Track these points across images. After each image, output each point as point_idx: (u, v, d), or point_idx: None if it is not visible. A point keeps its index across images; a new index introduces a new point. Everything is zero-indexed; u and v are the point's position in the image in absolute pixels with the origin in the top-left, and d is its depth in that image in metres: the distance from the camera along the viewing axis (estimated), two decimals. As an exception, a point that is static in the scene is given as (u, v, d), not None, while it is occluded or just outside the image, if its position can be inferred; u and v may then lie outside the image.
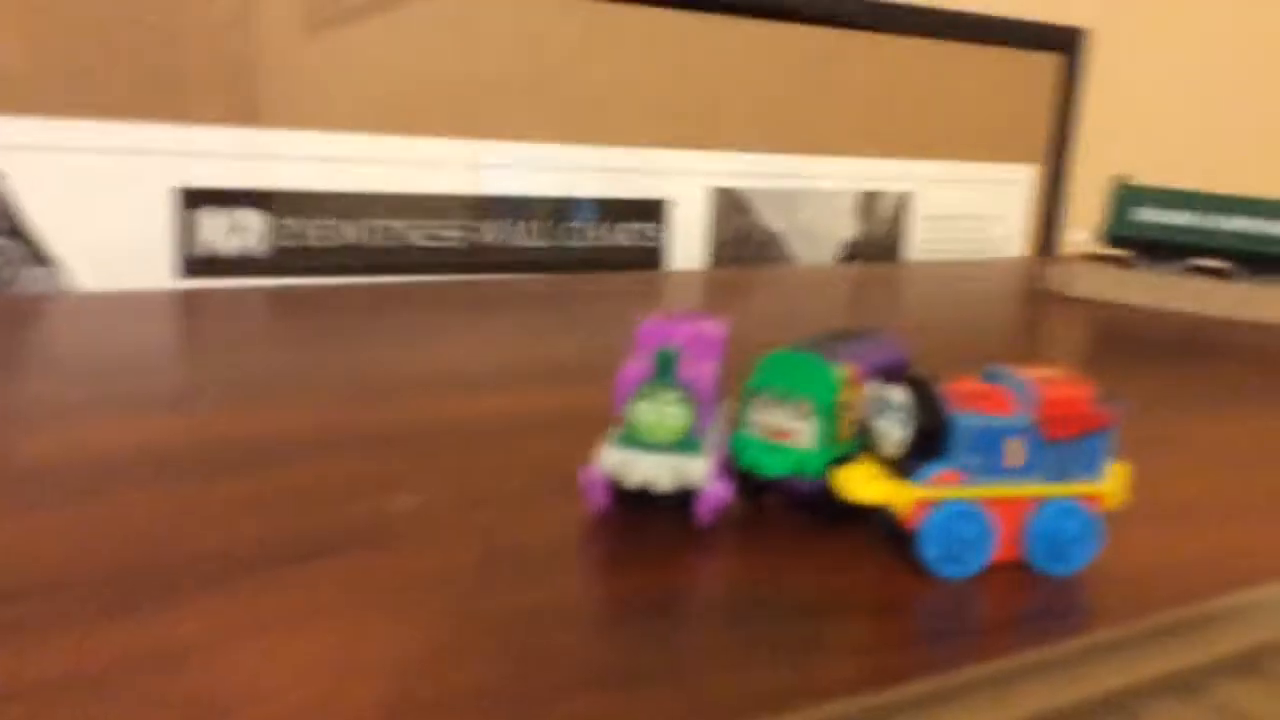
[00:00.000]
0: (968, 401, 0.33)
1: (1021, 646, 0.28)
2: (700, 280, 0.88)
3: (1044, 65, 1.14)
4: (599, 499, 0.35)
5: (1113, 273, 0.87)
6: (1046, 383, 0.33)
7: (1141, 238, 0.88)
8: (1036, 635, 0.29)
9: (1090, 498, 0.33)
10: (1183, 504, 0.40)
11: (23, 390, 0.47)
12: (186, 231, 0.74)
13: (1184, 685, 0.25)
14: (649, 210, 0.92)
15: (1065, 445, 0.33)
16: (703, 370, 0.35)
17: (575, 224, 0.88)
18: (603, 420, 0.36)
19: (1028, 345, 0.70)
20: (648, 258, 0.93)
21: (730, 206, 0.96)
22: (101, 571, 0.30)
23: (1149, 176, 0.91)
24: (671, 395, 0.34)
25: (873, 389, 0.37)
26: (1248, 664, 0.26)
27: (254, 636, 0.27)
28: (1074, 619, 0.31)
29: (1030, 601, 0.32)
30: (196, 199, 0.74)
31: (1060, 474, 0.33)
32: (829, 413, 0.35)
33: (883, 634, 0.30)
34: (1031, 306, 0.84)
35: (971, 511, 0.32)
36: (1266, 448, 0.48)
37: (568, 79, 0.86)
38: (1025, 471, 0.33)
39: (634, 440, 0.34)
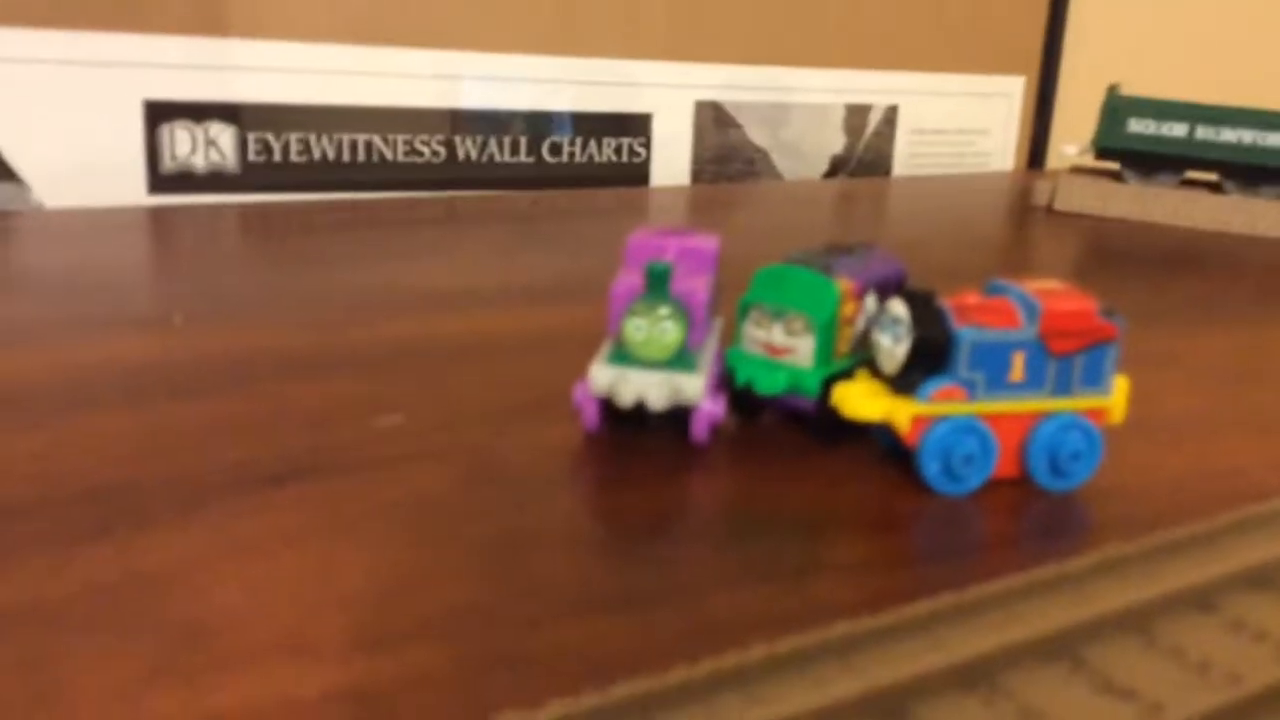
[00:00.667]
0: (970, 315, 0.32)
1: (1024, 564, 0.27)
2: (685, 196, 0.87)
3: (1035, -27, 1.11)
4: (590, 418, 0.34)
5: (1103, 186, 0.86)
6: (1050, 295, 0.32)
7: (1133, 150, 0.86)
8: (1039, 552, 0.29)
9: (1094, 412, 0.33)
10: (1175, 419, 0.40)
11: (-12, 311, 0.46)
12: (155, 146, 0.72)
13: (1198, 600, 0.24)
14: (631, 125, 0.90)
15: (1069, 359, 0.32)
16: (696, 285, 0.34)
17: (557, 139, 0.86)
18: (587, 339, 0.35)
19: (1018, 260, 0.69)
20: (630, 174, 0.91)
21: (715, 121, 0.94)
22: (73, 494, 0.29)
23: (1141, 88, 0.90)
24: (664, 310, 0.33)
25: (871, 303, 0.36)
26: (1261, 577, 0.25)
27: (233, 560, 0.26)
28: (1077, 535, 0.30)
29: (1031, 518, 0.31)
30: (165, 112, 0.72)
31: (1064, 388, 0.32)
32: (826, 328, 0.34)
33: (882, 552, 0.29)
34: (1021, 221, 0.83)
35: (973, 427, 0.32)
36: (1258, 362, 0.48)
37: (547, -14, 0.83)
38: (1028, 386, 0.32)
39: (626, 357, 0.33)
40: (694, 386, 0.33)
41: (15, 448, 0.32)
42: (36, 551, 0.26)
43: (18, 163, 0.68)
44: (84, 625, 0.23)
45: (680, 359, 0.33)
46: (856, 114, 1.02)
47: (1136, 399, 0.35)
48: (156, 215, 0.67)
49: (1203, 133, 0.84)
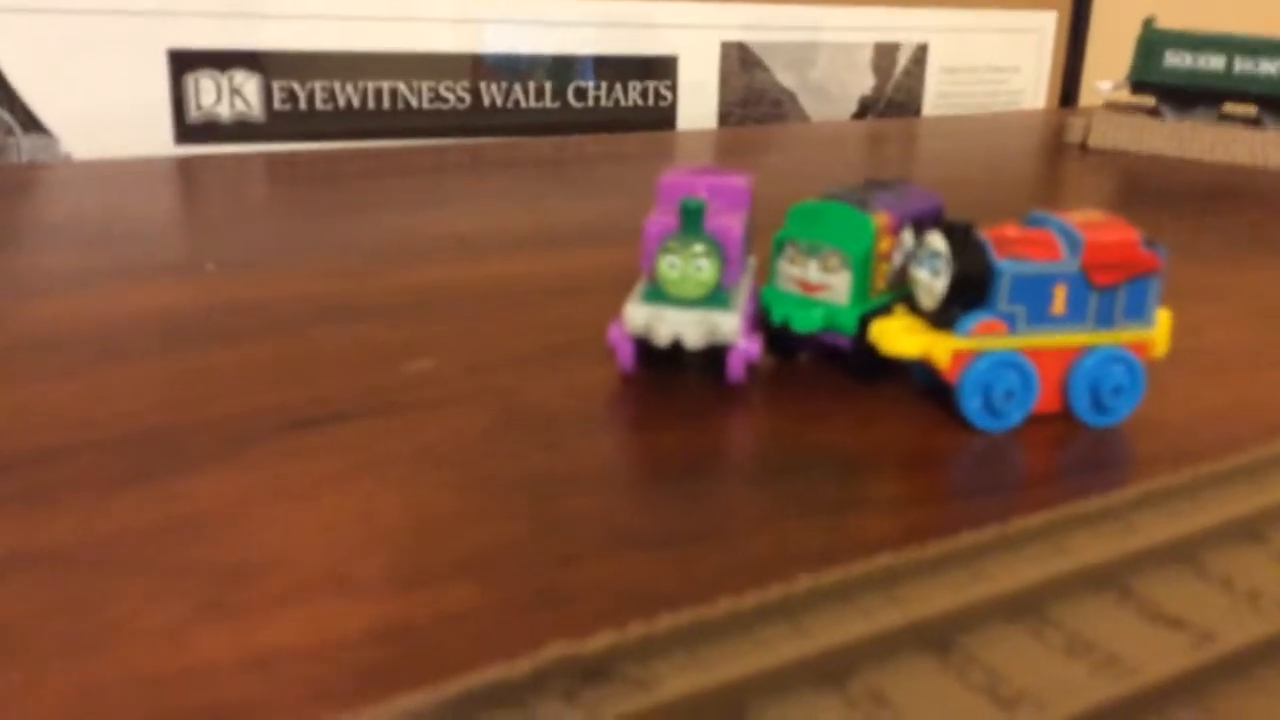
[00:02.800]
0: (1011, 247, 0.31)
1: (1067, 498, 0.27)
2: (712, 139, 0.86)
3: (1067, -96, 1.08)
4: (626, 357, 0.34)
5: (1139, 122, 0.84)
6: (1092, 227, 0.32)
7: (1168, 84, 0.84)
8: (1083, 487, 0.28)
9: (1137, 345, 0.32)
10: (1218, 352, 0.39)
11: (23, 260, 0.46)
12: (181, 96, 0.71)
13: (1246, 530, 0.24)
14: (657, 68, 0.89)
15: (1112, 291, 0.31)
16: (730, 222, 0.34)
17: (582, 84, 0.85)
18: (618, 282, 0.35)
19: (1052, 198, 0.68)
20: (657, 117, 0.90)
21: (741, 62, 0.93)
22: (112, 439, 0.29)
23: (1176, 21, 0.87)
24: (699, 248, 0.32)
25: (909, 238, 0.35)
26: (1313, 509, 0.25)
27: (271, 503, 0.26)
28: (1121, 469, 0.30)
29: (1074, 452, 0.31)
30: (190, 61, 0.71)
31: (1106, 321, 0.32)
32: (863, 264, 0.34)
33: (922, 489, 0.29)
34: (1055, 159, 0.82)
35: (1014, 362, 0.31)
36: (1305, 295, 0.47)
37: (569, -73, 0.82)
38: (1070, 319, 0.31)
39: (661, 296, 0.33)
40: (730, 324, 0.32)
41: (54, 395, 0.32)
42: (79, 495, 0.26)
43: (45, 115, 0.68)
44: (129, 566, 0.24)
45: (715, 297, 0.33)
46: (885, 53, 1.01)
47: (1179, 333, 0.34)
48: (184, 165, 0.67)
49: (1240, 65, 0.82)
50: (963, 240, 0.31)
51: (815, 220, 0.35)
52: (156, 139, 0.71)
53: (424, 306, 0.41)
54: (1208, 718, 0.18)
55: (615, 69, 0.87)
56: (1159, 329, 0.33)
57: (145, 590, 0.23)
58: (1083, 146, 0.86)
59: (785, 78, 0.96)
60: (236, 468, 0.28)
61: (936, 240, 0.32)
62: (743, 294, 0.34)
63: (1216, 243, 0.56)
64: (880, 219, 0.34)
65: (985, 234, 0.32)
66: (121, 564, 0.24)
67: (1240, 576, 0.23)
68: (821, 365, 0.36)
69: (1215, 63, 0.83)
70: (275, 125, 0.75)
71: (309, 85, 0.75)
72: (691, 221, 0.32)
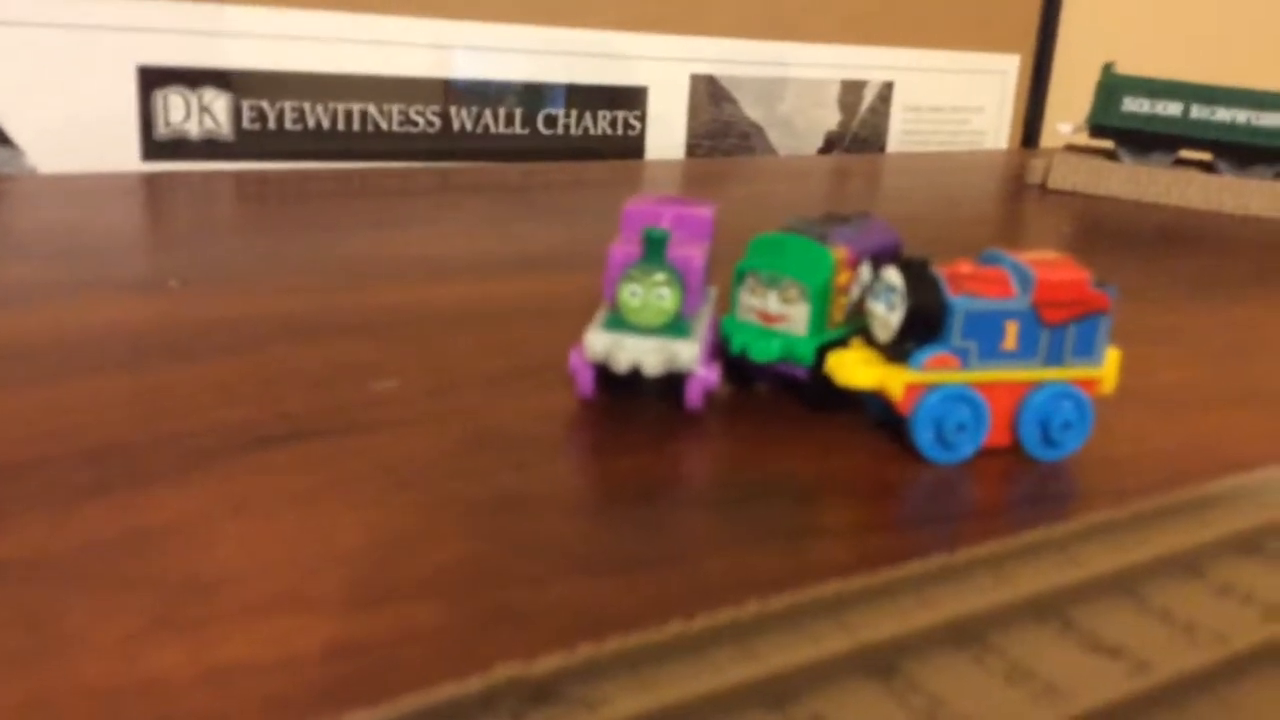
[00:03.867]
0: (965, 284, 0.32)
1: (1014, 529, 0.28)
2: (680, 169, 0.87)
3: (1032, -50, 1.10)
4: (585, 383, 0.34)
5: (1097, 164, 0.86)
6: (1044, 265, 0.33)
7: (1127, 128, 0.86)
8: (1029, 519, 0.29)
9: (1086, 382, 0.33)
10: (1166, 392, 0.40)
11: (-18, 274, 0.46)
12: (150, 112, 0.71)
13: (1186, 565, 0.25)
14: (627, 98, 0.90)
15: (1062, 329, 0.32)
16: (692, 252, 0.34)
17: (552, 111, 0.85)
18: (582, 308, 0.35)
19: (1012, 236, 0.69)
20: (625, 146, 0.91)
21: (710, 95, 0.94)
22: (73, 453, 0.29)
23: (1135, 67, 0.90)
24: (660, 276, 0.33)
25: (866, 272, 0.36)
26: (1249, 543, 0.26)
27: (232, 518, 0.27)
28: (1067, 503, 0.31)
29: (1022, 486, 0.32)
30: (159, 78, 0.71)
31: (1056, 358, 0.33)
32: (821, 296, 0.34)
33: (875, 518, 0.29)
34: (1015, 198, 0.83)
35: (966, 396, 0.32)
36: (1249, 338, 0.48)
37: (543, -43, 0.83)
38: (1021, 355, 0.32)
39: (622, 323, 0.33)
40: (689, 353, 0.33)
41: (13, 407, 0.32)
42: (36, 509, 0.26)
43: (11, 127, 0.68)
44: (85, 581, 0.24)
45: (675, 325, 0.33)
46: (852, 90, 1.02)
47: (1129, 372, 0.35)
48: (151, 181, 0.67)
49: (1197, 112, 0.84)
50: (918, 276, 0.32)
51: (776, 252, 0.35)
52: (124, 155, 0.71)
53: (390, 327, 0.42)
54: (1141, 745, 0.19)
55: (585, 98, 0.87)
56: (1108, 367, 0.34)
57: (100, 604, 0.23)
58: (1042, 187, 0.87)
59: (753, 111, 0.97)
60: (197, 484, 0.28)
61: (893, 275, 0.32)
62: (703, 323, 0.35)
63: (1170, 284, 0.57)
64: (839, 252, 0.35)
65: (940, 270, 0.32)
66: (77, 578, 0.24)
67: (1179, 608, 0.23)
68: (779, 395, 0.37)
69: (1172, 109, 0.85)
70: (244, 144, 0.75)
71: (279, 105, 0.76)
72: (654, 251, 0.33)
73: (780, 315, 0.35)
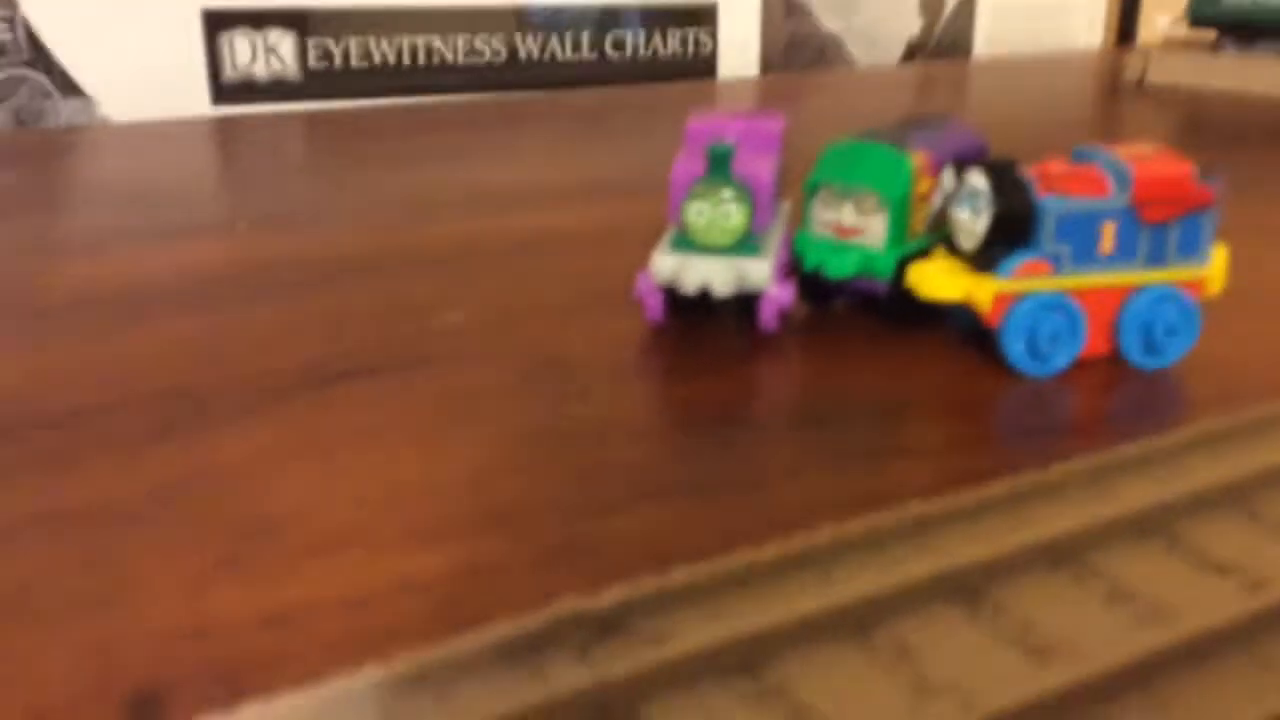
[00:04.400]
0: (1056, 184, 0.30)
1: (1114, 443, 0.26)
2: (755, 87, 0.84)
3: None
4: (654, 307, 0.33)
5: (1198, 57, 0.81)
6: (1142, 160, 0.30)
7: (1230, 18, 0.81)
8: (1132, 432, 0.27)
9: (1190, 284, 0.31)
10: (1275, 291, 0.37)
11: (60, 222, 0.46)
12: (216, 56, 0.71)
13: (1304, 476, 0.23)
14: (697, 15, 0.87)
15: (1164, 228, 0.30)
16: (760, 166, 0.32)
17: (621, 34, 0.83)
18: (652, 233, 0.34)
19: (1109, 137, 0.66)
20: (698, 67, 0.88)
21: (784, 8, 0.90)
22: (142, 397, 0.29)
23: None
24: (727, 193, 0.31)
25: (949, 178, 0.34)
26: (1376, 451, 0.23)
27: (297, 457, 0.26)
28: (1172, 413, 0.29)
29: (1123, 397, 0.30)
30: (224, 21, 0.71)
31: (1158, 259, 0.30)
32: (900, 206, 0.32)
33: (962, 436, 0.28)
34: (1112, 98, 0.79)
35: (1059, 303, 0.30)
36: (1374, 231, 0.45)
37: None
38: (1120, 258, 0.30)
39: (689, 243, 0.32)
40: (760, 271, 0.32)
41: (85, 353, 0.32)
42: (104, 454, 0.26)
43: (82, 78, 0.68)
44: (151, 522, 0.23)
45: (745, 243, 0.32)
46: (933, -6, 0.98)
47: (1237, 271, 0.32)
48: (220, 125, 0.67)
49: (1308, -6, 0.79)
50: (1004, 177, 0.30)
51: (850, 161, 0.33)
52: (193, 100, 0.71)
53: (455, 261, 0.41)
54: (1257, 666, 0.17)
55: (655, 18, 0.85)
56: (1214, 266, 0.31)
57: (164, 547, 0.23)
58: (1140, 84, 0.83)
59: (830, 22, 0.93)
60: (262, 424, 0.28)
61: (977, 178, 0.30)
62: (774, 240, 0.33)
63: (1278, 179, 0.54)
64: (918, 159, 0.33)
65: (1029, 171, 0.30)
66: (143, 521, 0.24)
67: (1297, 522, 0.21)
68: (857, 312, 0.35)
69: (1280, -7, 0.80)
70: (311, 84, 0.75)
71: (344, 43, 0.75)
72: (719, 167, 0.31)
73: (856, 228, 0.33)
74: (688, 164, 0.32)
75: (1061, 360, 0.30)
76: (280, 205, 0.49)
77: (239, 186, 0.53)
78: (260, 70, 0.73)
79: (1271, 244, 0.42)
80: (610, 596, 0.18)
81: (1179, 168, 0.30)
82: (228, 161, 0.59)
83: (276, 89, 0.74)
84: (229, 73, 0.72)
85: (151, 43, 0.69)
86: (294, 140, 0.64)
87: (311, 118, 0.70)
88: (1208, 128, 0.69)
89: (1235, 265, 0.32)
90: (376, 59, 0.76)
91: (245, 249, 0.42)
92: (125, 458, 0.26)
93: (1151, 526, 0.21)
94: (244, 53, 0.72)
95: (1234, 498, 0.22)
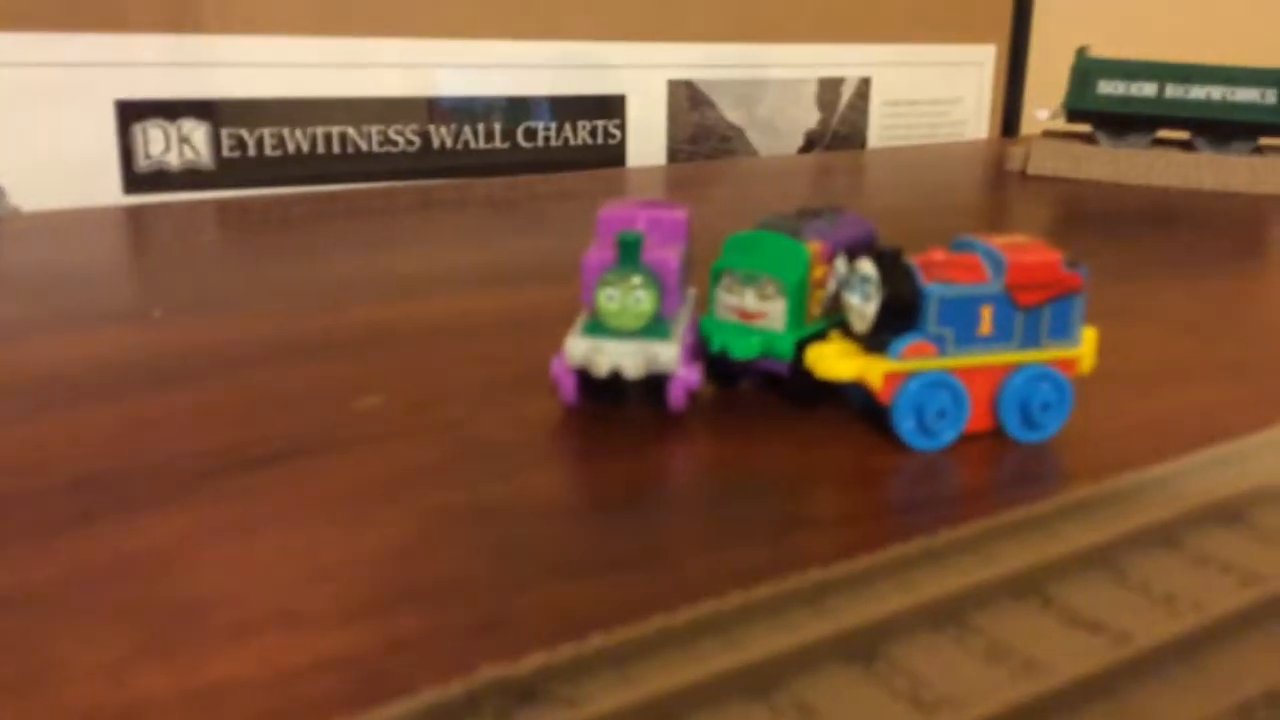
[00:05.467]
0: (938, 271, 0.32)
1: (997, 511, 0.28)
2: (662, 175, 0.87)
3: (1002, -60, 1.11)
4: (568, 390, 0.34)
5: (1076, 149, 0.87)
6: (1015, 249, 0.33)
7: (1103, 111, 0.87)
8: (1013, 500, 0.29)
9: (1063, 363, 0.33)
10: (1145, 369, 0.40)
11: (-33, 313, 0.46)
12: (129, 146, 0.72)
13: (1164, 537, 0.25)
14: (607, 107, 0.90)
15: (1037, 311, 0.33)
16: (667, 253, 0.34)
17: (533, 124, 0.86)
18: (564, 318, 0.36)
19: (993, 224, 0.70)
20: (607, 155, 0.91)
21: (689, 100, 0.94)
22: (60, 483, 0.30)
23: (1109, 50, 0.90)
24: (637, 279, 0.33)
25: (842, 265, 0.36)
26: (1225, 514, 0.26)
27: (219, 541, 0.27)
28: (1048, 483, 0.31)
29: (1005, 468, 0.32)
30: (138, 111, 0.72)
31: (1033, 340, 0.33)
32: (798, 291, 0.35)
33: (860, 507, 0.29)
34: (996, 186, 0.84)
35: (944, 382, 0.32)
36: (1225, 312, 0.48)
37: (514, -29, 0.83)
38: (997, 339, 0.32)
39: (601, 328, 0.33)
40: (669, 354, 0.33)
41: (0, 441, 0.32)
42: (23, 540, 0.27)
43: (-8, 167, 0.68)
44: (72, 609, 0.24)
45: (654, 327, 0.33)
46: (829, 88, 1.03)
47: (1107, 351, 0.35)
48: (133, 214, 0.67)
49: (1171, 91, 0.85)
50: (891, 265, 0.32)
51: (751, 249, 0.35)
52: (105, 189, 0.71)
53: (372, 345, 0.42)
54: (1123, 714, 0.19)
55: (564, 109, 0.88)
56: (1085, 346, 0.34)
57: (87, 630, 0.23)
58: (1023, 174, 0.88)
59: (732, 114, 0.97)
60: (183, 508, 0.28)
61: (866, 266, 0.32)
62: (682, 324, 0.35)
63: (1149, 263, 0.58)
64: (814, 247, 0.35)
65: (913, 259, 0.33)
66: (65, 606, 0.24)
67: (1158, 580, 0.23)
68: (761, 391, 0.37)
69: (1147, 89, 0.86)
70: (225, 173, 0.75)
71: (258, 132, 0.76)
72: (629, 254, 0.33)
73: (758, 312, 0.35)
74: (599, 252, 0.34)
75: (948, 435, 0.33)
76: (195, 292, 0.49)
77: (153, 274, 0.53)
78: (173, 159, 0.73)
79: (1139, 325, 0.46)
80: (529, 664, 0.19)
81: (1048, 256, 0.33)
82: (141, 249, 0.59)
83: (189, 178, 0.74)
84: (142, 162, 0.72)
85: (63, 133, 0.70)
86: (208, 228, 0.65)
87: (225, 205, 0.71)
88: (1084, 215, 0.73)
89: (1105, 345, 0.35)
90: (290, 148, 0.77)
91: (161, 336, 0.43)
92: (44, 543, 0.26)
93: (1027, 587, 0.23)
94: (157, 142, 0.72)
95: (1102, 559, 0.24)
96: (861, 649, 0.20)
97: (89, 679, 0.21)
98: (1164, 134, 0.88)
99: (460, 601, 0.24)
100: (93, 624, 0.23)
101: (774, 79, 0.99)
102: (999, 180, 0.86)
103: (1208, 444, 0.31)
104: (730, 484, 0.30)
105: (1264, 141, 0.85)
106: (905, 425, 0.32)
